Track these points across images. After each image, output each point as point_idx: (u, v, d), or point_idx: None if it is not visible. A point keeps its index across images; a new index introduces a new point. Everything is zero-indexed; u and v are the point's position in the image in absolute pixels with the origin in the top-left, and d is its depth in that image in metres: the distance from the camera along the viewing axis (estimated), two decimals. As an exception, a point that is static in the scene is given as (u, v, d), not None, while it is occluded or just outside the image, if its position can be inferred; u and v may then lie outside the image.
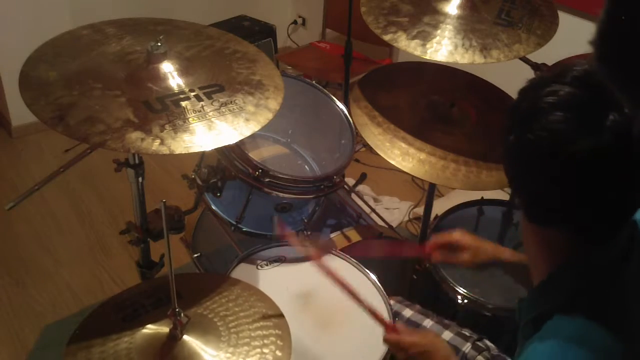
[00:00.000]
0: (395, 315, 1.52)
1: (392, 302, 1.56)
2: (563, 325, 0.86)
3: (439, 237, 1.44)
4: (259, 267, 1.61)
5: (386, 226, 2.10)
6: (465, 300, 1.67)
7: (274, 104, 1.39)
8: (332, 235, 1.82)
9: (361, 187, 2.81)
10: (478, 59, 1.60)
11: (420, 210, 2.65)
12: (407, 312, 1.52)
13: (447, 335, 1.44)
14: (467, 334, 1.44)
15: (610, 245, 0.89)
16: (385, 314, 1.50)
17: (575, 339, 0.83)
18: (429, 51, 1.62)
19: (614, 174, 0.80)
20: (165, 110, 1.28)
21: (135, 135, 1.21)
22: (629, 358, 0.83)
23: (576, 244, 0.89)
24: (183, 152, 1.21)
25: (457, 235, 1.42)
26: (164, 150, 1.20)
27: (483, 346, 1.40)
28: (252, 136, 1.33)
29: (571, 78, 0.83)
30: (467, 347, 1.40)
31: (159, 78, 1.36)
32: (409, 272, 1.95)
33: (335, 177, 1.73)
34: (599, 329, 0.83)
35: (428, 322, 1.47)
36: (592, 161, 0.79)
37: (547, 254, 0.93)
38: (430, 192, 2.01)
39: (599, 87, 0.80)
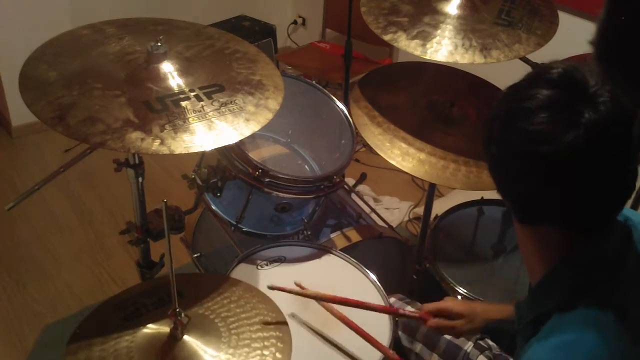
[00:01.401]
0: None
1: (392, 299, 1.56)
2: (562, 323, 0.86)
3: (431, 306, 1.39)
4: (259, 267, 1.61)
5: (386, 226, 2.10)
6: (465, 300, 1.67)
7: (274, 104, 1.39)
8: (332, 235, 1.82)
9: (361, 187, 2.81)
10: (478, 59, 1.60)
11: (420, 210, 2.65)
12: (409, 310, 1.51)
13: None
14: None
15: (606, 244, 0.90)
16: (384, 314, 1.50)
17: (574, 338, 0.84)
18: (429, 51, 1.61)
19: (593, 168, 0.82)
20: (165, 110, 1.28)
21: (135, 135, 1.21)
22: (630, 356, 0.83)
23: (570, 240, 0.90)
24: (183, 152, 1.21)
25: (449, 303, 1.38)
26: (164, 150, 1.20)
27: (485, 345, 1.40)
28: (252, 136, 1.33)
29: (546, 81, 0.85)
30: (469, 346, 1.40)
31: (159, 78, 1.36)
32: (409, 272, 1.96)
33: (335, 177, 1.73)
34: (599, 323, 0.84)
35: None
36: (573, 157, 0.82)
37: (542, 254, 0.93)
38: (430, 192, 2.01)
39: (573, 87, 0.83)
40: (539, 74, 0.87)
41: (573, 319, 0.85)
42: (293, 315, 1.48)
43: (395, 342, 1.46)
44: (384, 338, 1.43)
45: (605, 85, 0.82)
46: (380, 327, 1.46)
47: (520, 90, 0.88)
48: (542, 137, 0.82)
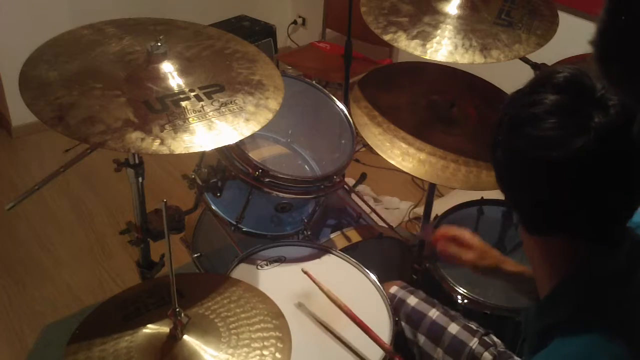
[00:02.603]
0: (400, 303, 1.51)
1: (395, 288, 1.55)
2: (569, 343, 0.85)
3: (449, 229, 1.41)
4: (259, 267, 1.61)
5: (386, 226, 2.10)
6: (465, 300, 1.67)
7: (274, 104, 1.39)
8: (332, 235, 1.82)
9: (361, 187, 2.81)
10: (478, 59, 1.60)
11: (420, 210, 2.65)
12: (412, 300, 1.50)
13: (453, 328, 1.42)
14: (473, 327, 1.42)
15: (616, 255, 0.88)
16: (384, 314, 1.50)
17: (583, 356, 0.83)
18: (429, 51, 1.62)
19: (604, 174, 0.81)
20: (165, 110, 1.28)
21: (135, 135, 1.21)
22: None
23: (579, 251, 0.88)
24: (183, 152, 1.21)
25: (467, 235, 1.39)
26: (164, 150, 1.20)
27: (490, 342, 1.39)
28: (252, 136, 1.33)
29: (553, 86, 0.83)
30: (474, 343, 1.38)
31: (159, 78, 1.36)
32: (409, 272, 1.96)
33: (335, 177, 1.73)
34: (606, 343, 0.83)
35: (434, 313, 1.45)
36: (583, 163, 0.80)
37: (551, 266, 0.92)
38: (430, 192, 2.01)
39: (580, 91, 0.82)
40: (544, 78, 0.85)
41: (579, 337, 0.84)
42: (299, 305, 1.49)
43: (398, 334, 1.46)
44: (384, 334, 1.43)
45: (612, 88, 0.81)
46: (380, 323, 1.46)
47: (526, 96, 0.86)
48: (551, 143, 0.81)
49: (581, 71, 0.84)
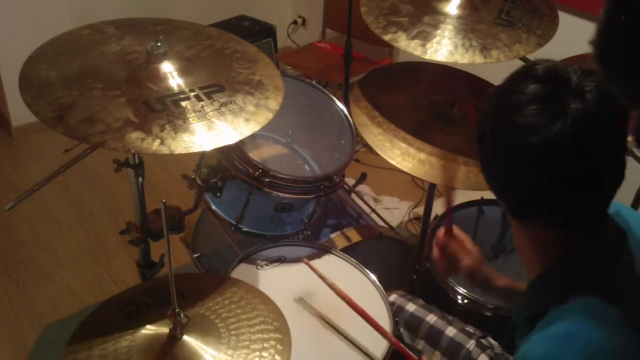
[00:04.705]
0: (398, 310, 1.52)
1: (393, 296, 1.56)
2: (560, 314, 0.87)
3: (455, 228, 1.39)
4: (259, 267, 1.61)
5: (386, 226, 2.10)
6: (466, 301, 1.67)
7: (274, 104, 1.39)
8: (332, 235, 1.82)
9: (361, 187, 2.81)
10: (478, 59, 1.60)
11: (420, 210, 2.65)
12: (411, 307, 1.51)
13: (450, 331, 1.43)
14: (470, 330, 1.43)
15: (600, 240, 0.91)
16: (384, 314, 1.50)
17: (572, 329, 0.84)
18: (429, 51, 1.62)
19: (581, 158, 0.84)
20: (165, 110, 1.28)
21: (135, 135, 1.21)
22: (631, 347, 0.83)
23: (564, 238, 0.91)
24: (183, 152, 1.21)
25: (469, 242, 1.37)
26: (164, 150, 1.20)
27: (487, 344, 1.40)
28: (252, 136, 1.33)
29: (532, 77, 0.87)
30: (471, 345, 1.40)
31: (159, 78, 1.36)
32: (409, 272, 1.96)
33: (335, 177, 1.73)
34: (598, 314, 0.84)
35: (431, 318, 1.47)
36: (561, 147, 0.83)
37: (538, 253, 0.94)
38: (430, 192, 2.01)
39: (558, 80, 0.86)
40: (525, 70, 0.90)
41: (571, 310, 0.86)
42: (300, 305, 1.49)
43: (397, 339, 1.46)
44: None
45: (589, 77, 0.84)
46: (380, 323, 1.46)
47: (509, 87, 0.90)
48: (531, 128, 0.84)
49: (556, 64, 0.89)
